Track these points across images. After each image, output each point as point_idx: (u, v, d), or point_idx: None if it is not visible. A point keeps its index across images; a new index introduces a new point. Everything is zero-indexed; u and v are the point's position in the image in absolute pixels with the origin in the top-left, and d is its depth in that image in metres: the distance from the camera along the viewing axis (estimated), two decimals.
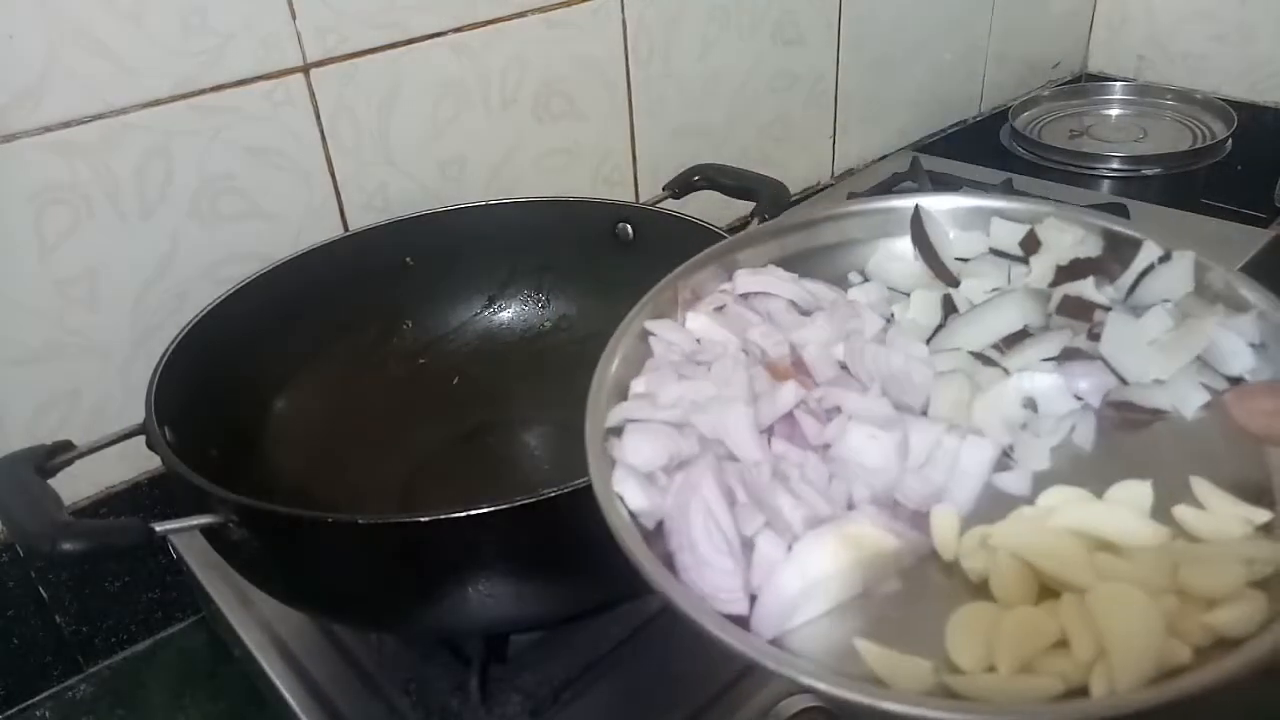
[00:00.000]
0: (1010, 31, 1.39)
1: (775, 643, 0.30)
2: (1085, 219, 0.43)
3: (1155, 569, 0.30)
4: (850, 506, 0.34)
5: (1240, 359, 0.37)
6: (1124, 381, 0.38)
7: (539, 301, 0.81)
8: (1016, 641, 0.29)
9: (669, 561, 0.32)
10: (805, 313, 0.43)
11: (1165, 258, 0.40)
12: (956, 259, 0.45)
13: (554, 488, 0.45)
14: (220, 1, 0.66)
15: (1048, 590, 0.31)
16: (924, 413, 0.38)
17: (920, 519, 0.34)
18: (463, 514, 0.44)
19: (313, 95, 0.73)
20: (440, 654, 0.59)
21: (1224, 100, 1.32)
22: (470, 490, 0.69)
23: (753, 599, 0.31)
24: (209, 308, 0.63)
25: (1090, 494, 0.33)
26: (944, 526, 0.33)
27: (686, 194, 0.79)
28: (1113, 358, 0.38)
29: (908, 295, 0.45)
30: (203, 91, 0.68)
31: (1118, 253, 0.42)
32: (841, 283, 0.46)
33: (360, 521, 0.45)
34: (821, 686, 0.28)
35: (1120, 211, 1.00)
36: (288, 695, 0.58)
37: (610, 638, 0.59)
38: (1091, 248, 0.43)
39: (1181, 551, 0.30)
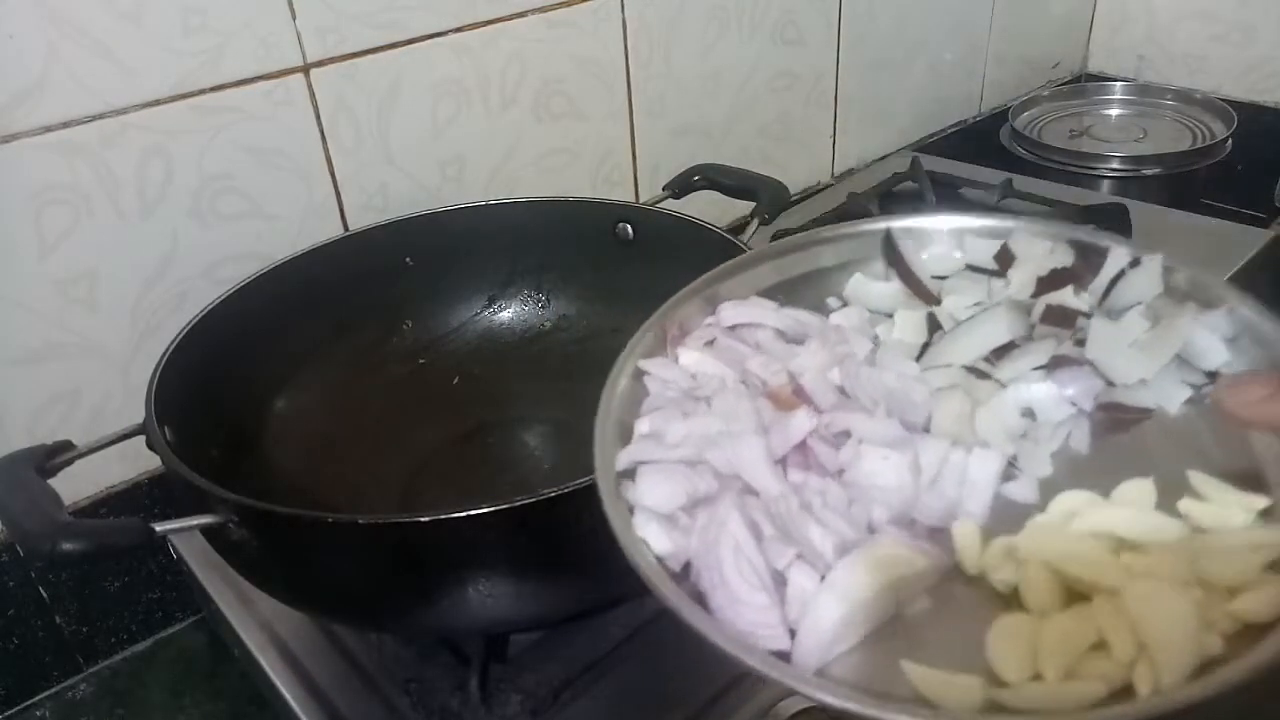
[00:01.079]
0: (1010, 31, 1.39)
1: (819, 673, 0.30)
2: (1052, 229, 0.45)
3: (1178, 563, 0.30)
4: (871, 529, 0.34)
5: (1216, 353, 0.38)
6: (1111, 384, 0.39)
7: (539, 301, 0.81)
8: (1059, 648, 0.29)
9: (701, 602, 0.32)
10: (794, 340, 0.44)
11: (1135, 262, 0.42)
12: (934, 277, 0.46)
13: (554, 488, 0.45)
14: (220, 1, 0.66)
15: (1075, 595, 0.31)
16: (926, 429, 0.38)
17: (937, 535, 0.34)
18: (463, 514, 0.44)
19: (313, 95, 0.73)
20: (440, 654, 0.59)
21: (1224, 100, 1.32)
22: (470, 490, 0.69)
23: (791, 633, 0.31)
24: (209, 308, 0.63)
25: (1100, 496, 0.34)
26: (966, 540, 0.34)
27: (686, 194, 0.80)
28: (1100, 361, 0.39)
29: (889, 316, 0.45)
30: (203, 91, 0.68)
31: (1088, 260, 0.43)
32: (821, 309, 0.46)
33: (360, 521, 0.45)
34: (886, 717, 0.28)
35: (1120, 211, 1.00)
36: (288, 695, 0.58)
37: (610, 638, 0.59)
38: (1063, 257, 0.44)
39: (1197, 543, 0.31)
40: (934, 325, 0.44)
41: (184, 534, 0.58)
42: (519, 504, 0.45)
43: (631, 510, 0.35)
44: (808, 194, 1.19)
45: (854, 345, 0.42)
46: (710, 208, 0.80)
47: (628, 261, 0.75)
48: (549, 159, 0.90)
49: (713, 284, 0.46)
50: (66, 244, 0.65)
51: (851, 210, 1.03)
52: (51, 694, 0.73)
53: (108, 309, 0.68)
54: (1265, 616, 0.28)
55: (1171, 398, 0.38)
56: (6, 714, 0.71)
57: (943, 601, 0.32)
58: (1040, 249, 0.44)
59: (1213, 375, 0.39)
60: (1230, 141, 1.23)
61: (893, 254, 0.46)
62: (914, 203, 1.08)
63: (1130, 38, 1.52)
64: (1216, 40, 1.42)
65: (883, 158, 1.28)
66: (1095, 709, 0.28)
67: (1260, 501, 0.32)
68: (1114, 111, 1.39)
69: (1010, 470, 0.36)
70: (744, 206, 0.74)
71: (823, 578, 0.32)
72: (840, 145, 1.21)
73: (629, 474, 0.37)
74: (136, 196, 0.67)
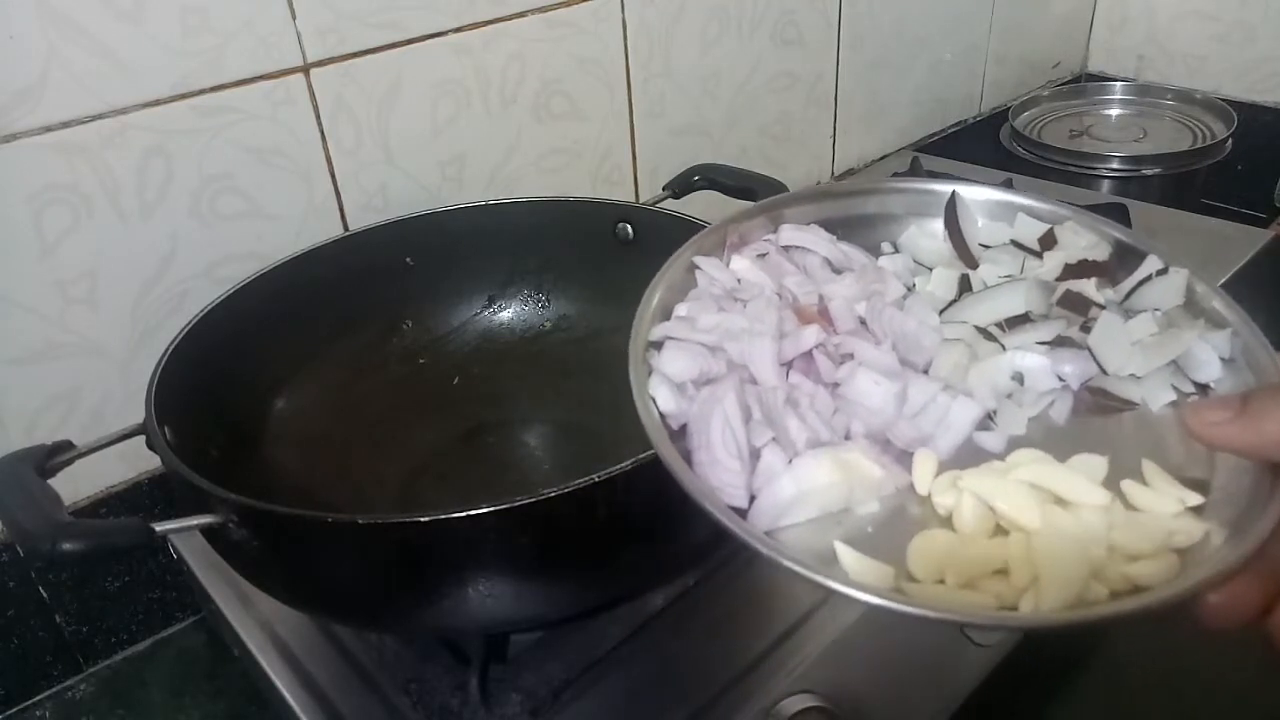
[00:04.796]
0: (1010, 31, 1.39)
1: (767, 533, 0.35)
2: (1101, 228, 0.48)
3: (1093, 525, 0.35)
4: (847, 437, 0.39)
5: (1209, 369, 0.41)
6: (1104, 372, 0.42)
7: (539, 301, 0.81)
8: (966, 563, 0.34)
9: (686, 458, 0.37)
10: (837, 271, 0.48)
11: (1163, 271, 0.45)
12: (980, 244, 0.50)
13: (554, 488, 0.45)
14: (220, 1, 0.66)
15: (1001, 531, 0.36)
16: (926, 371, 0.43)
17: (905, 458, 0.39)
18: (463, 514, 0.44)
19: (313, 95, 0.73)
20: (440, 654, 0.59)
21: (1224, 100, 1.32)
22: (470, 490, 0.69)
23: (752, 499, 0.36)
24: (209, 307, 0.63)
25: (1054, 459, 0.38)
26: (923, 466, 0.38)
27: (686, 194, 0.80)
28: (1097, 350, 0.42)
29: (930, 270, 0.49)
30: (203, 91, 0.68)
31: (1123, 260, 0.46)
32: (874, 250, 0.50)
33: (360, 521, 0.45)
34: (798, 569, 0.32)
35: (1120, 211, 1.00)
36: (288, 695, 0.58)
37: (610, 638, 0.59)
38: (1101, 253, 0.47)
39: (1119, 516, 0.36)
40: (964, 286, 0.47)
41: (184, 534, 0.58)
42: (519, 504, 0.45)
43: (650, 373, 0.40)
44: None
45: (888, 286, 0.46)
46: (710, 208, 0.80)
47: (628, 261, 0.75)
48: (549, 159, 0.90)
49: (782, 206, 0.50)
50: (66, 244, 0.65)
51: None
52: (51, 694, 0.73)
53: (108, 309, 0.68)
54: (1150, 582, 0.32)
55: (1157, 397, 0.41)
56: (6, 714, 0.71)
57: (890, 510, 0.37)
58: (1083, 241, 0.47)
59: (1202, 388, 0.41)
60: (1230, 141, 1.23)
61: (951, 216, 0.50)
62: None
63: (1130, 38, 1.52)
64: (1216, 40, 1.42)
65: (883, 158, 1.28)
66: (978, 609, 0.33)
67: (1194, 499, 0.36)
68: (1114, 111, 1.39)
69: (987, 422, 0.40)
70: (744, 206, 0.74)
71: (790, 461, 0.37)
72: (840, 145, 1.21)
73: (658, 345, 0.42)
74: (136, 196, 0.67)
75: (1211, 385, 0.41)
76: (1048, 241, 0.48)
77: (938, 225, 0.50)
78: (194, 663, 0.75)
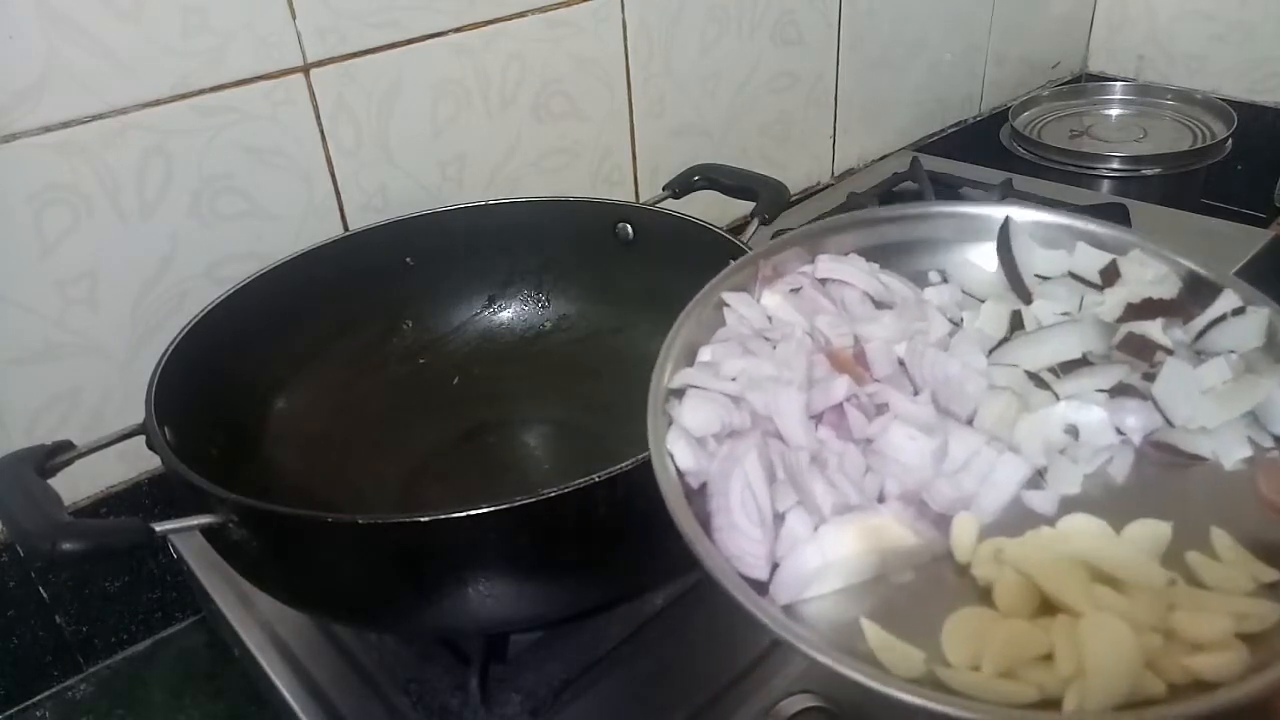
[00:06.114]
0: (1010, 31, 1.39)
1: (788, 610, 0.33)
2: (1172, 257, 0.44)
3: (1148, 608, 0.31)
4: (881, 499, 0.36)
5: None
6: (1170, 424, 0.38)
7: (539, 301, 0.81)
8: (1005, 647, 0.31)
9: (705, 521, 0.35)
10: (879, 305, 0.45)
11: (1239, 310, 0.41)
12: (1036, 275, 0.46)
13: (554, 488, 0.45)
14: (220, 1, 0.66)
15: (1047, 608, 0.32)
16: (969, 422, 0.39)
17: (943, 521, 0.35)
18: (463, 514, 0.44)
19: (313, 95, 0.73)
20: (440, 654, 0.59)
21: (1224, 100, 1.32)
22: (470, 490, 0.69)
23: (774, 569, 0.34)
24: (209, 308, 0.63)
25: (1109, 528, 0.35)
26: (963, 532, 0.35)
27: (686, 194, 0.79)
28: (1163, 399, 0.38)
29: (980, 302, 0.45)
30: (203, 91, 0.68)
31: (1196, 294, 0.42)
32: (921, 279, 0.47)
33: (360, 521, 0.45)
34: (816, 655, 0.30)
35: (1120, 211, 1.00)
36: (288, 695, 0.58)
37: (610, 638, 0.59)
38: (1170, 288, 0.43)
39: (1180, 596, 0.32)
40: (1016, 323, 0.44)
41: (184, 534, 0.58)
42: (519, 504, 0.45)
43: (669, 424, 0.38)
44: (808, 194, 1.19)
45: (931, 324, 0.43)
46: (710, 208, 0.80)
47: (628, 261, 0.75)
48: (549, 159, 0.90)
49: (821, 235, 0.47)
50: (66, 244, 0.65)
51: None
52: (51, 694, 0.73)
53: (108, 309, 0.68)
54: (1216, 677, 0.29)
55: (1230, 452, 0.37)
56: (6, 714, 0.71)
57: (927, 581, 0.34)
58: (1149, 274, 0.44)
59: None
60: (1230, 141, 1.23)
61: (1004, 243, 0.46)
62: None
63: (1130, 38, 1.52)
64: (1216, 40, 1.42)
65: (882, 158, 1.28)
66: (1015, 708, 0.29)
67: (1270, 575, 0.32)
68: (1114, 111, 1.39)
69: (1037, 480, 0.37)
70: (744, 206, 0.74)
71: (816, 529, 0.34)
72: (840, 145, 1.21)
73: (679, 393, 0.39)
74: (136, 196, 0.67)
75: None
76: (1110, 275, 0.44)
77: (989, 252, 0.47)
78: (194, 663, 0.75)
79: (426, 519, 0.45)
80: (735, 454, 0.36)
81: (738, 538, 0.34)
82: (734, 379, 0.39)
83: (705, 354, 0.42)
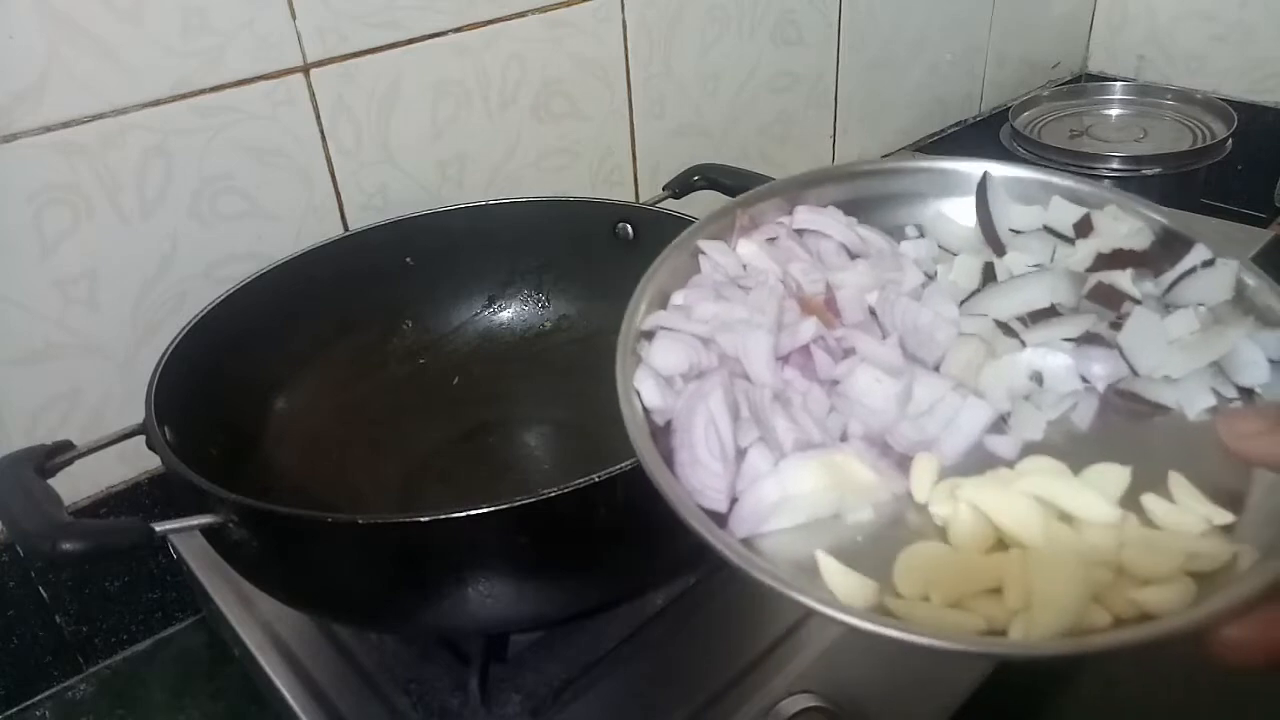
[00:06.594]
0: (1010, 31, 1.39)
1: (745, 543, 0.33)
2: (1147, 213, 0.44)
3: (1100, 545, 0.32)
4: (844, 440, 0.37)
5: (1256, 371, 0.37)
6: (1135, 373, 0.38)
7: (539, 301, 0.81)
8: (955, 578, 0.31)
9: (669, 457, 0.35)
10: (853, 256, 0.45)
11: (1209, 262, 0.41)
12: (1011, 229, 0.46)
13: (554, 488, 0.45)
14: (220, 1, 0.66)
15: (1001, 546, 0.33)
16: (937, 368, 0.39)
17: (906, 463, 0.36)
18: (463, 514, 0.44)
19: (313, 95, 0.73)
20: (440, 654, 0.59)
21: (1224, 100, 1.32)
22: (470, 490, 0.69)
23: (734, 503, 0.34)
24: (209, 308, 0.63)
25: (1066, 469, 0.35)
26: (923, 472, 0.35)
27: (686, 194, 0.80)
28: (1129, 348, 0.38)
29: (955, 256, 0.45)
30: (203, 91, 0.68)
31: (1169, 249, 0.42)
32: (898, 233, 0.47)
33: (360, 521, 0.45)
34: (768, 580, 0.30)
35: None
36: (288, 695, 0.58)
37: (610, 638, 0.59)
38: (1141, 241, 0.43)
39: (1134, 533, 0.32)
40: (989, 275, 0.44)
41: (184, 534, 0.58)
42: (519, 504, 0.45)
43: (638, 364, 0.38)
44: None
45: (905, 274, 0.43)
46: (710, 208, 0.80)
47: (628, 261, 0.74)
48: (549, 159, 0.90)
49: (800, 186, 0.46)
50: (66, 244, 0.65)
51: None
52: (51, 694, 0.73)
53: (108, 309, 0.68)
54: (1161, 610, 0.29)
55: (1193, 402, 0.37)
56: (6, 714, 0.71)
57: (885, 520, 0.34)
58: (1124, 227, 0.44)
59: (1247, 392, 0.37)
60: (1230, 141, 1.23)
61: (982, 197, 0.46)
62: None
63: (1130, 38, 1.52)
64: (1216, 40, 1.42)
65: (882, 158, 1.28)
66: (962, 634, 0.30)
67: (1223, 517, 0.32)
68: (1114, 111, 1.39)
69: (1001, 425, 0.37)
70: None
71: (776, 464, 0.35)
72: (840, 145, 1.21)
73: (649, 334, 0.40)
74: (136, 196, 0.67)
75: (1258, 391, 0.37)
76: (1084, 228, 0.44)
77: (966, 207, 0.46)
78: (194, 663, 0.75)
79: (426, 519, 0.45)
80: (701, 391, 0.36)
81: (699, 471, 0.34)
82: (705, 322, 0.40)
83: (678, 298, 0.42)
